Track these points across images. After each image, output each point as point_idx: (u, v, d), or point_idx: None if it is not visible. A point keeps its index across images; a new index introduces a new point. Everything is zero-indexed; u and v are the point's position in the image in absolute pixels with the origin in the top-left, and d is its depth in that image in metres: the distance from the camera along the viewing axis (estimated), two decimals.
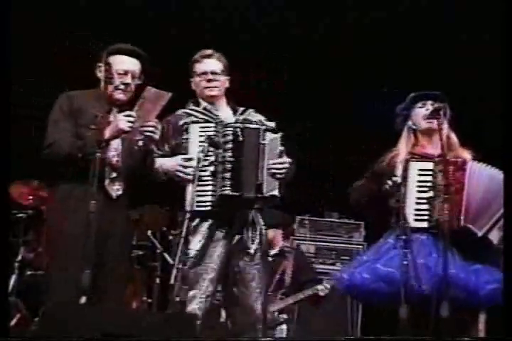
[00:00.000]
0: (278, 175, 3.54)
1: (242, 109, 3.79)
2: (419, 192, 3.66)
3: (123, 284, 3.65)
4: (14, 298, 5.32)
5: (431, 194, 3.62)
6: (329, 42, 6.21)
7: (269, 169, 3.52)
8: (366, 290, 3.65)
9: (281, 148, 3.59)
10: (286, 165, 3.57)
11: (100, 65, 3.68)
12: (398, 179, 3.64)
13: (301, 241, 6.08)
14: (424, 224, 3.64)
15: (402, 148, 3.85)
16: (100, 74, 3.68)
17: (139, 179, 3.62)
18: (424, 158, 3.77)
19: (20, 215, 5.60)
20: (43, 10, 5.75)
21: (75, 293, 3.16)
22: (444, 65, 6.14)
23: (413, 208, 3.64)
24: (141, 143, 3.52)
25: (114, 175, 3.52)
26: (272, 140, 3.57)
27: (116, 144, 3.53)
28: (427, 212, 3.64)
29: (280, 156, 3.58)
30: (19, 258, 5.51)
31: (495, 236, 3.62)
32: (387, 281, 3.57)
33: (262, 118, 3.78)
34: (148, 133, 3.46)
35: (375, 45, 6.18)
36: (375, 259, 3.72)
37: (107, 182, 3.49)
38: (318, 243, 6.08)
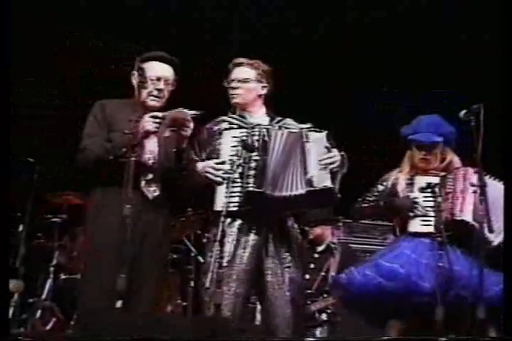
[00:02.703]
0: (331, 167, 3.56)
1: (279, 118, 3.80)
2: (425, 201, 3.89)
3: (158, 287, 3.59)
4: (49, 302, 5.32)
5: (438, 200, 3.80)
6: (329, 42, 6.21)
7: (321, 165, 3.54)
8: (368, 288, 3.69)
9: (328, 144, 3.61)
10: (337, 158, 3.59)
11: (134, 72, 3.67)
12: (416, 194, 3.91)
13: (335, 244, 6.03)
14: (430, 229, 3.80)
15: (406, 167, 4.08)
16: (135, 81, 3.67)
17: (176, 180, 3.60)
18: (428, 173, 4.01)
19: (55, 220, 5.59)
20: (43, 10, 5.75)
21: (110, 297, 3.14)
22: (444, 65, 6.14)
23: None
24: (173, 142, 3.52)
25: (150, 176, 3.51)
26: (317, 139, 3.60)
27: (152, 146, 3.52)
28: (433, 218, 3.82)
29: (329, 151, 3.60)
30: (54, 262, 5.50)
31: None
32: (391, 277, 3.63)
33: (297, 125, 3.77)
34: (177, 129, 3.45)
35: (375, 45, 6.18)
36: (380, 256, 3.89)
37: (142, 183, 3.48)
38: (352, 245, 6.03)
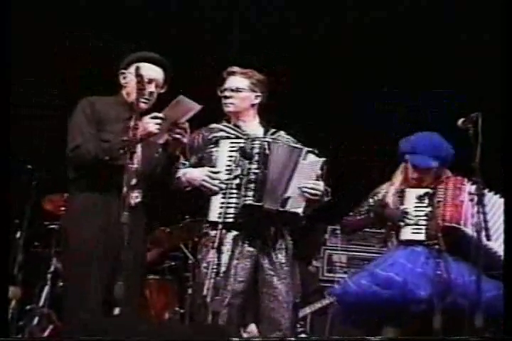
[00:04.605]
0: (308, 196, 3.55)
1: (273, 130, 3.80)
2: (417, 211, 3.92)
3: (139, 292, 3.59)
4: (47, 309, 5.30)
5: (429, 209, 3.81)
6: (329, 42, 6.21)
7: (301, 188, 3.54)
8: (364, 298, 3.70)
9: (320, 172, 3.61)
10: (320, 189, 3.58)
11: (123, 71, 3.65)
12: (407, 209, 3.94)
13: (333, 251, 6.04)
14: (421, 237, 3.86)
15: (397, 181, 4.10)
16: (123, 81, 3.65)
17: (160, 186, 3.58)
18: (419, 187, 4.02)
19: (52, 227, 5.56)
20: (43, 10, 5.75)
21: (99, 303, 3.15)
22: (444, 65, 6.14)
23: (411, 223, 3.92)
24: (160, 150, 3.50)
25: (134, 182, 3.46)
26: (313, 162, 3.61)
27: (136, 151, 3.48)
28: (424, 227, 3.87)
29: (317, 179, 3.60)
30: (52, 269, 5.47)
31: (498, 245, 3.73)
32: (387, 285, 3.64)
33: (291, 140, 3.79)
34: (176, 136, 3.42)
35: (375, 45, 6.18)
36: (375, 266, 3.91)
37: (125, 189, 3.45)
38: (350, 253, 6.02)
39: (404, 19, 6.01)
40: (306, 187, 3.55)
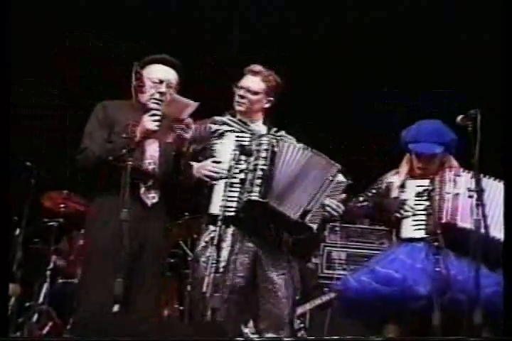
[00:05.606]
0: (327, 214, 3.58)
1: (275, 129, 3.80)
2: (417, 205, 3.88)
3: (156, 293, 3.59)
4: (46, 306, 5.32)
5: (427, 203, 3.79)
6: (329, 42, 6.21)
7: (324, 206, 3.57)
8: (364, 294, 3.70)
9: (344, 195, 3.65)
10: (340, 212, 3.62)
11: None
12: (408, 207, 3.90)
13: (332, 248, 6.04)
14: (422, 234, 3.82)
15: (403, 171, 4.06)
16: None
17: (176, 185, 3.58)
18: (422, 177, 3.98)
19: (52, 224, 5.59)
20: (43, 10, 5.75)
21: (108, 301, 3.14)
22: (444, 65, 6.14)
23: (411, 219, 3.88)
24: (174, 146, 3.51)
25: (150, 182, 3.49)
26: (340, 182, 3.64)
27: (152, 151, 3.51)
28: (423, 222, 3.83)
29: (339, 200, 3.63)
30: (51, 266, 5.50)
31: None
32: (386, 282, 3.64)
33: (293, 140, 3.79)
34: (178, 131, 3.42)
35: (375, 45, 6.18)
36: (376, 262, 3.89)
37: (142, 190, 3.46)
38: (349, 249, 6.02)
39: (404, 19, 6.01)
40: (330, 207, 3.58)
